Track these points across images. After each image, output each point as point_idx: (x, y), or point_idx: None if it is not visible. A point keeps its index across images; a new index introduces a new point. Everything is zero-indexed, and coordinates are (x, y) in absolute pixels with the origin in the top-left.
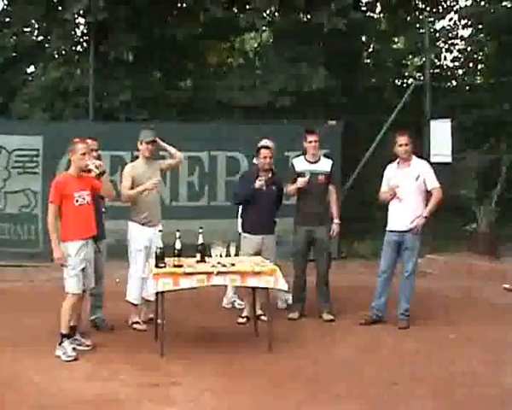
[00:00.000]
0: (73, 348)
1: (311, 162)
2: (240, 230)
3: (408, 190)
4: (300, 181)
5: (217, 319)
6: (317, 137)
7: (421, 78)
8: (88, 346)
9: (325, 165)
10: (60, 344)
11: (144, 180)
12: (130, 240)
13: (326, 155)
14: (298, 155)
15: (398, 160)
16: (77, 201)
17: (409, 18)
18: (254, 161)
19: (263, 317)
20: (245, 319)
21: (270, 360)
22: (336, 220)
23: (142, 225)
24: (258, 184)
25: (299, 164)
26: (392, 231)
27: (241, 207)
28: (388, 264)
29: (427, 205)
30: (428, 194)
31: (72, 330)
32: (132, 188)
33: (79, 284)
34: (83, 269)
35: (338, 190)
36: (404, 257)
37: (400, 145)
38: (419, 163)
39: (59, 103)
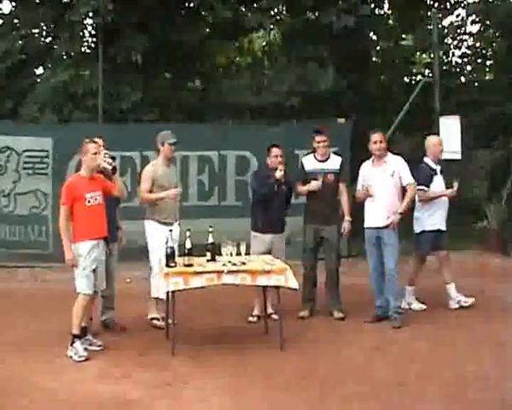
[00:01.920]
0: (85, 349)
1: (321, 161)
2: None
3: (384, 186)
4: (313, 184)
5: (227, 318)
6: (325, 137)
7: (430, 75)
8: (99, 346)
9: (334, 163)
10: (71, 345)
11: (164, 182)
12: (151, 238)
13: (336, 153)
14: (307, 154)
15: (372, 157)
16: (89, 202)
17: (417, 14)
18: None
19: (274, 316)
20: (255, 318)
21: (281, 359)
22: (347, 218)
23: (162, 223)
24: (278, 174)
25: (309, 163)
26: (369, 228)
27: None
28: (375, 260)
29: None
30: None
31: (83, 330)
32: (151, 189)
33: (90, 284)
34: (94, 270)
35: (348, 188)
36: (384, 254)
37: (374, 142)
38: (394, 159)
39: (68, 106)
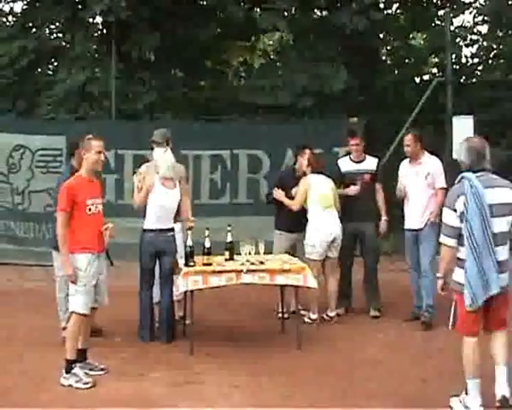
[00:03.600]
0: (85, 373)
1: (356, 162)
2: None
3: (418, 188)
4: (352, 189)
5: (243, 317)
6: (358, 140)
7: (440, 74)
8: (102, 370)
9: (371, 163)
10: (67, 372)
11: None
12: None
13: (371, 154)
14: (343, 155)
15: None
16: (89, 209)
17: (427, 14)
18: (287, 159)
19: (303, 312)
20: (286, 315)
21: (299, 356)
22: (385, 217)
23: None
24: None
25: (344, 164)
26: (407, 230)
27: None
28: (413, 260)
29: None
30: None
31: (81, 353)
32: None
33: (89, 302)
34: (95, 285)
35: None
36: (420, 253)
37: (404, 145)
38: (430, 161)
39: (83, 105)
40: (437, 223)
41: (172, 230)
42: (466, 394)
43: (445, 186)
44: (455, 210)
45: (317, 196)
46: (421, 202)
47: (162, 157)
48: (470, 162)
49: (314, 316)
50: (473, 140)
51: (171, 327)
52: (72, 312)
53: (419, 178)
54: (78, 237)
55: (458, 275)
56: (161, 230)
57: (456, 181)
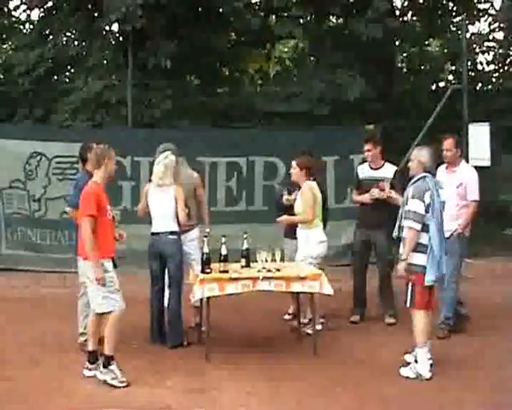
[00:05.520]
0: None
1: (374, 169)
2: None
3: (448, 196)
4: (365, 197)
5: (259, 323)
6: (370, 145)
7: (455, 81)
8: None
9: (388, 171)
10: (105, 367)
11: None
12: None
13: (391, 161)
14: (362, 162)
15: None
16: (109, 214)
17: (443, 21)
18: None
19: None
20: (291, 316)
21: (316, 364)
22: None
23: None
24: (284, 200)
25: (362, 170)
26: None
27: None
28: None
29: None
30: None
31: (93, 354)
32: None
33: (122, 297)
34: None
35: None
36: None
37: (442, 150)
38: (466, 170)
39: (99, 113)
40: (466, 237)
41: (174, 233)
42: (416, 362)
43: (477, 199)
44: (423, 201)
45: (319, 207)
46: (449, 211)
47: (158, 162)
48: (431, 166)
49: (305, 320)
50: (433, 149)
51: (175, 331)
52: (110, 312)
53: (450, 187)
54: (102, 243)
55: (419, 258)
56: (161, 233)
57: (417, 179)
